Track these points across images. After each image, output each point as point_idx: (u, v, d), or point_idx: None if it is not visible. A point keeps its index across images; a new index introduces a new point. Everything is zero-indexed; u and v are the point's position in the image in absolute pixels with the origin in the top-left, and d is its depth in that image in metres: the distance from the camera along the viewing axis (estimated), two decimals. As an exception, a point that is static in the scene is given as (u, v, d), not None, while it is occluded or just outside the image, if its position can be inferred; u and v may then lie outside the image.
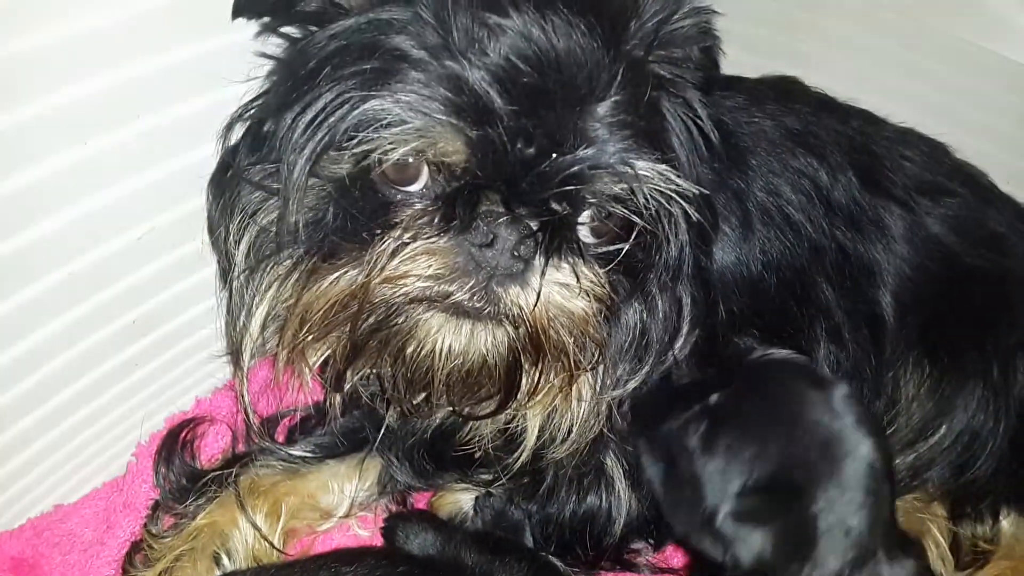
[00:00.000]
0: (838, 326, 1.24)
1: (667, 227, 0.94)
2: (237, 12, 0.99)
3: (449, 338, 0.90)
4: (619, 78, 0.87)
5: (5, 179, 0.93)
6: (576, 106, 0.85)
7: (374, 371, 1.02)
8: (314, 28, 0.96)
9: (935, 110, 1.60)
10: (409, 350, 0.92)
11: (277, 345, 1.01)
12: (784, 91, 1.43)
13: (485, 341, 0.91)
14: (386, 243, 0.86)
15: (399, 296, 0.88)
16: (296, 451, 1.29)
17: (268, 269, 0.98)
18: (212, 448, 1.32)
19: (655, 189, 0.88)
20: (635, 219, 0.90)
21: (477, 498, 1.23)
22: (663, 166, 0.89)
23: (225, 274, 1.06)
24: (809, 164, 1.31)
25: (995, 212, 1.35)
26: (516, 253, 0.86)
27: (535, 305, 0.88)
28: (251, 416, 1.18)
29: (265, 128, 0.97)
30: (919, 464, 1.26)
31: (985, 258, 1.29)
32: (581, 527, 1.19)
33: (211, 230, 1.11)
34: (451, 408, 1.05)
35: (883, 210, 1.28)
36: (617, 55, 0.88)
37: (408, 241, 0.86)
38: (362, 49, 0.88)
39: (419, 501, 1.31)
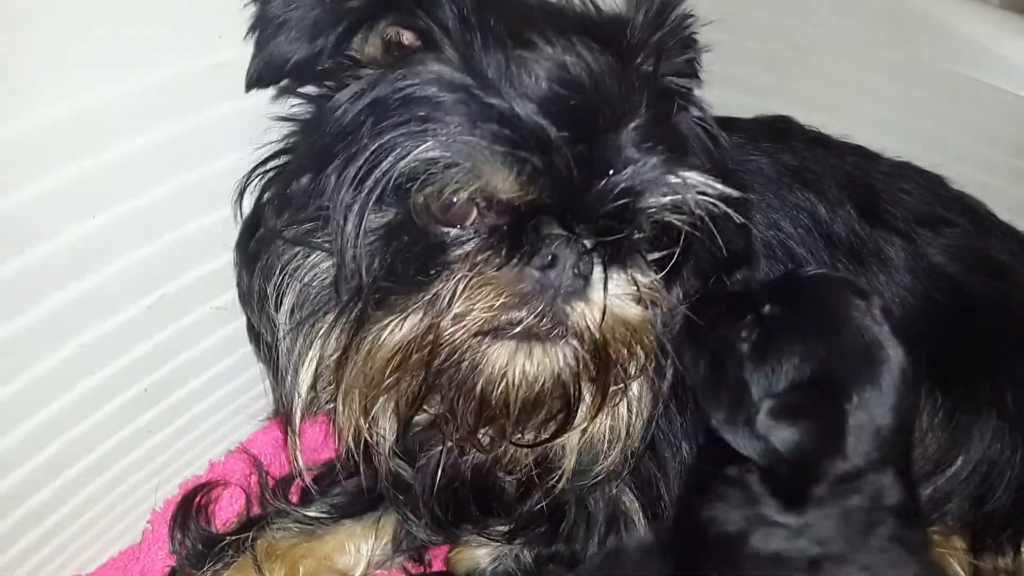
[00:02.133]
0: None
1: (713, 230, 0.95)
2: (251, 85, 1.00)
3: (522, 364, 0.91)
4: (645, 96, 0.90)
5: (17, 255, 0.94)
6: (616, 126, 0.88)
7: (440, 412, 1.02)
8: (332, 84, 0.98)
9: (930, 143, 1.62)
10: (480, 384, 0.92)
11: (328, 403, 1.02)
12: (779, 130, 1.45)
13: (555, 361, 0.92)
14: (450, 280, 0.88)
15: (468, 332, 0.89)
16: (312, 512, 1.29)
17: (314, 325, 0.99)
18: (227, 512, 1.31)
19: (701, 195, 0.91)
20: (686, 227, 0.93)
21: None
22: (704, 174, 0.92)
23: (256, 336, 1.07)
24: (807, 199, 1.33)
25: (996, 240, 1.35)
26: (577, 271, 0.88)
27: (601, 319, 0.89)
28: (304, 475, 1.20)
29: (292, 188, 0.99)
30: (938, 497, 1.25)
31: (989, 286, 1.30)
32: (601, 573, 1.18)
33: (243, 295, 1.12)
34: (515, 438, 1.04)
35: (884, 241, 1.29)
36: (636, 74, 0.91)
37: (472, 275, 0.87)
38: (397, 100, 0.89)
39: (435, 559, 1.30)
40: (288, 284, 1.00)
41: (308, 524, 1.28)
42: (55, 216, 0.97)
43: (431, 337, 0.89)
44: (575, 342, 0.91)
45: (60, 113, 0.92)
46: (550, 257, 0.87)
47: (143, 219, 1.07)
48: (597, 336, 0.91)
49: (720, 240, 0.96)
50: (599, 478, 1.07)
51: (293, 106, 1.07)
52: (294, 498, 1.32)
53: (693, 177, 0.90)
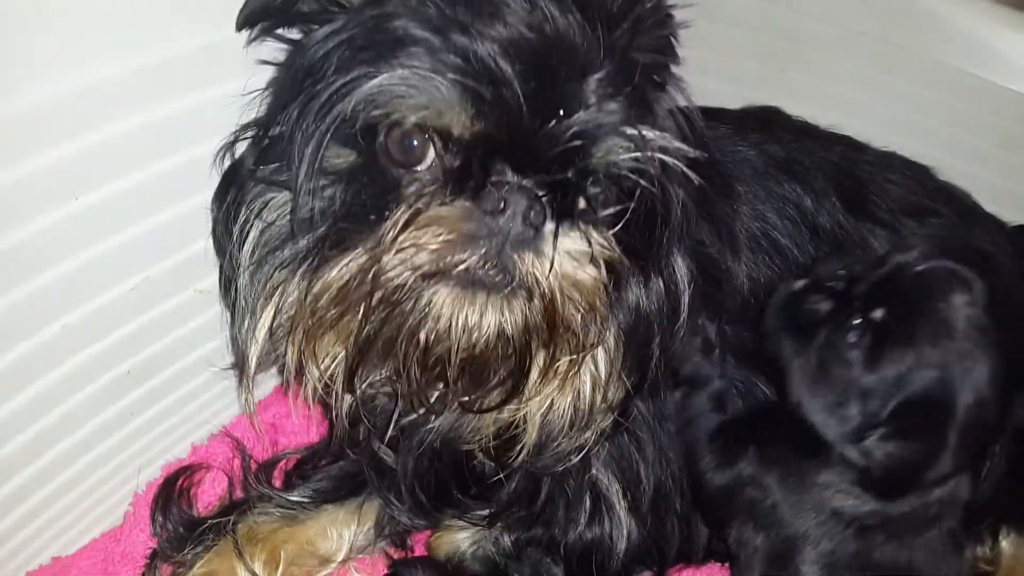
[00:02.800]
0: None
1: (669, 191, 0.95)
2: (242, 24, 1.01)
3: (464, 311, 0.88)
4: (611, 55, 0.90)
5: (-1, 236, 0.94)
6: (578, 75, 0.87)
7: (385, 368, 0.99)
8: (315, 27, 0.97)
9: (918, 133, 1.63)
10: (423, 331, 0.90)
11: (285, 352, 0.99)
12: (766, 121, 1.45)
13: (501, 313, 0.89)
14: (395, 215, 0.86)
15: (410, 271, 0.87)
16: (294, 497, 1.29)
17: (274, 264, 0.97)
18: (209, 495, 1.32)
19: (658, 151, 0.90)
20: (641, 181, 0.91)
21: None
22: (663, 132, 0.91)
23: (229, 284, 1.05)
24: (793, 190, 1.33)
25: (980, 231, 1.36)
26: (527, 219, 0.86)
27: (549, 271, 0.87)
28: (257, 425, 1.19)
29: (271, 132, 0.99)
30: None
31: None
32: (582, 557, 1.18)
33: (216, 242, 1.10)
34: (463, 399, 1.02)
35: (868, 233, 1.29)
36: (606, 38, 0.91)
37: (418, 210, 0.86)
38: (365, 37, 0.90)
39: (417, 543, 1.30)
40: (252, 223, 0.99)
41: (290, 509, 1.28)
42: (38, 198, 0.97)
43: (373, 272, 0.88)
44: (523, 297, 0.88)
45: (43, 97, 0.92)
46: (502, 203, 0.85)
47: (126, 202, 1.07)
48: (546, 291, 0.88)
49: (677, 202, 0.96)
50: (567, 458, 1.05)
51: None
52: (277, 482, 1.32)
53: (651, 132, 0.90)
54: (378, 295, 0.89)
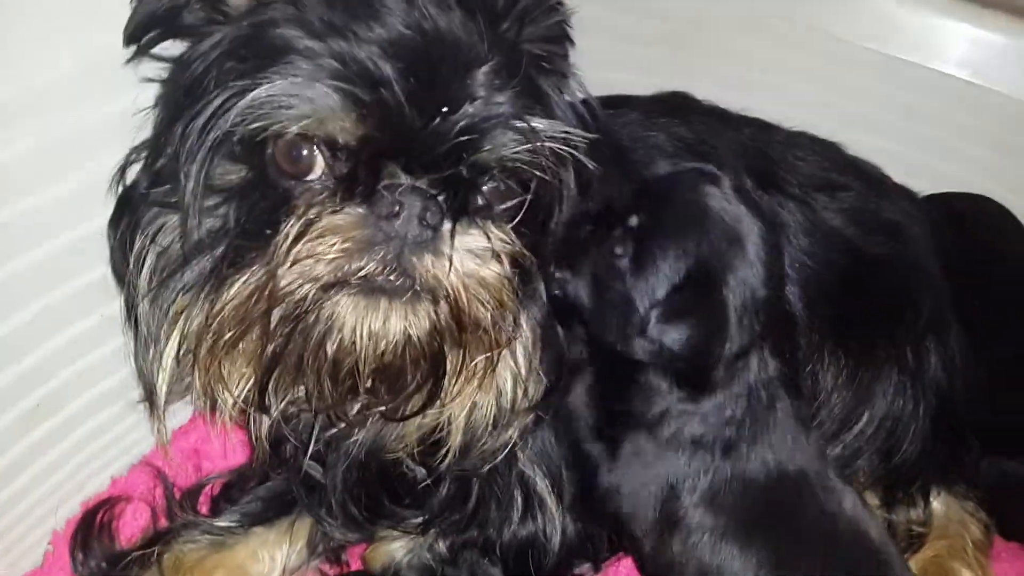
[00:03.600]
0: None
1: (564, 180, 0.94)
2: (128, 41, 0.98)
3: (368, 320, 0.86)
4: (499, 48, 0.90)
5: None
6: (461, 70, 0.87)
7: (298, 386, 0.98)
8: (198, 40, 0.95)
9: (828, 112, 1.66)
10: (329, 344, 0.88)
11: (194, 379, 0.97)
12: (675, 106, 1.46)
13: (405, 318, 0.87)
14: (287, 227, 0.84)
15: (309, 283, 0.85)
16: (221, 522, 1.24)
17: (173, 289, 0.94)
18: (131, 527, 1.26)
19: (551, 141, 0.90)
20: (536, 173, 0.91)
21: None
22: (555, 121, 0.91)
23: (130, 313, 1.02)
24: None
25: (889, 202, 1.38)
26: (424, 220, 0.85)
27: (450, 271, 0.86)
28: (170, 456, 1.20)
29: (161, 153, 0.96)
30: (847, 454, 1.27)
31: (884, 246, 1.32)
32: (519, 555, 1.17)
33: (115, 270, 1.07)
34: (383, 409, 1.00)
35: (781, 207, 1.30)
36: (491, 32, 0.91)
37: (310, 220, 0.84)
38: (246, 48, 0.89)
39: (352, 557, 1.27)
40: (148, 249, 0.97)
41: (218, 535, 1.23)
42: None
43: (270, 288, 0.86)
44: (427, 299, 0.88)
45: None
46: (396, 206, 0.84)
47: (22, 225, 1.02)
48: (450, 291, 0.88)
49: (568, 195, 0.95)
50: (493, 456, 1.05)
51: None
52: (204, 508, 1.28)
53: (543, 122, 0.89)
54: (278, 311, 0.88)
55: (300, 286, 0.86)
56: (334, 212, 0.85)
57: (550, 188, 0.94)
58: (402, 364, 0.92)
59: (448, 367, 0.95)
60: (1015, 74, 1.60)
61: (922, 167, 1.64)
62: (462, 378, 0.97)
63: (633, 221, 1.06)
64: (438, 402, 0.99)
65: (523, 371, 1.01)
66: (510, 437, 1.04)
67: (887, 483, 1.29)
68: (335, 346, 0.88)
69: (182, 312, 0.94)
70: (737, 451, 1.07)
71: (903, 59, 1.67)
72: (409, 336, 0.89)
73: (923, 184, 1.56)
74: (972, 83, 1.63)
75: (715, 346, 1.03)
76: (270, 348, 0.91)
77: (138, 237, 0.98)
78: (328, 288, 0.86)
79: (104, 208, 1.08)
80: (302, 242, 0.84)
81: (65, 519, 1.27)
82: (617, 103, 1.41)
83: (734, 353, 1.04)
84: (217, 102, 0.86)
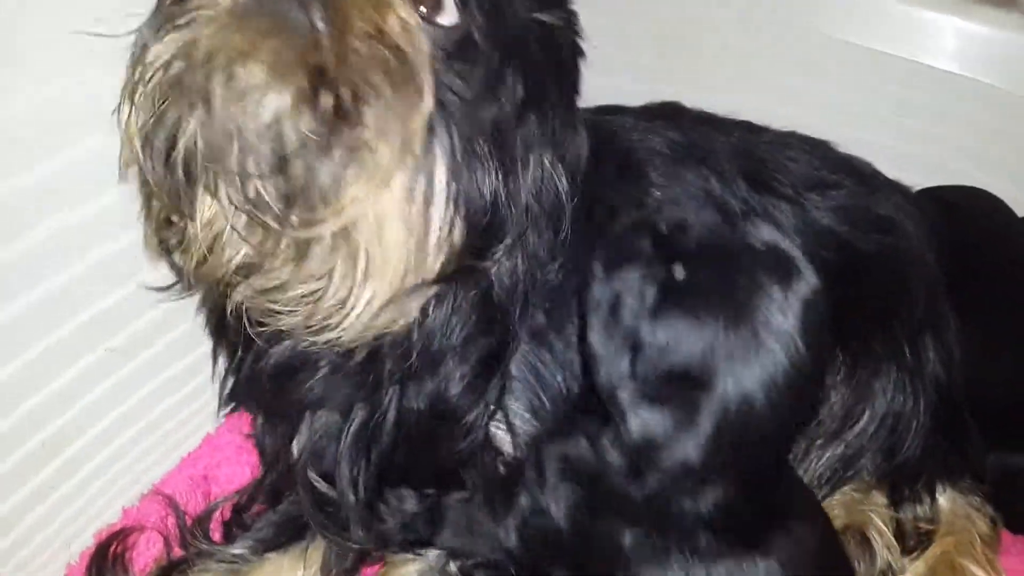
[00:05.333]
0: (748, 324, 1.24)
1: None
2: None
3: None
4: None
5: None
6: None
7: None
8: None
9: (818, 107, 1.67)
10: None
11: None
12: (667, 114, 1.47)
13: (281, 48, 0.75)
14: None
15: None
16: (235, 549, 1.24)
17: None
18: (145, 558, 1.27)
19: None
20: None
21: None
22: None
23: None
24: (700, 174, 1.34)
25: (881, 197, 1.38)
26: None
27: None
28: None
29: None
30: (850, 453, 1.27)
31: (877, 242, 1.32)
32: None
33: None
34: (292, 215, 0.82)
35: (773, 208, 1.31)
36: None
37: None
38: None
39: (367, 580, 1.28)
40: None
41: (232, 562, 1.23)
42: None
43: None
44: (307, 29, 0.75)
45: None
46: None
47: (23, 263, 1.03)
48: (327, 38, 0.75)
49: None
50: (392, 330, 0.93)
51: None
52: (216, 534, 1.29)
53: None
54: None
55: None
56: None
57: None
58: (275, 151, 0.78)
59: (338, 146, 0.79)
60: (1003, 65, 1.61)
61: (914, 161, 1.64)
62: (361, 167, 0.80)
63: (677, 271, 0.92)
64: (337, 200, 0.81)
65: (439, 195, 0.85)
66: (408, 311, 0.93)
67: (892, 481, 1.28)
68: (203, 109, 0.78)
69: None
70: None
71: (892, 54, 1.68)
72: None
73: (916, 178, 1.57)
74: (961, 75, 1.64)
75: (668, 445, 0.89)
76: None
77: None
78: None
79: (104, 239, 1.11)
80: None
81: (79, 553, 1.28)
82: (610, 112, 1.43)
83: (678, 459, 0.89)
84: None
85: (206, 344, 1.24)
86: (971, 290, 1.37)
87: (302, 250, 0.86)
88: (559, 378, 1.16)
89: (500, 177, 0.90)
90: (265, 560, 1.25)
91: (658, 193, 1.30)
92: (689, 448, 0.88)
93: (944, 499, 1.27)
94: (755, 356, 0.87)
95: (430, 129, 0.83)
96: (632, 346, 0.92)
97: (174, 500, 1.32)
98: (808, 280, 0.90)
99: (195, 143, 0.80)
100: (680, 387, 0.89)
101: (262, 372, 1.09)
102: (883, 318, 1.29)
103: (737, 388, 0.87)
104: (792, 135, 1.46)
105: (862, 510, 1.26)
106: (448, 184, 0.85)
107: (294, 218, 0.82)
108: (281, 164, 0.79)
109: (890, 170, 1.51)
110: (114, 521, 1.33)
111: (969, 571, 1.20)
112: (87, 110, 1.01)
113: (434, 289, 0.93)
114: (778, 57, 1.76)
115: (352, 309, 0.88)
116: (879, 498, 1.29)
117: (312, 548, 1.25)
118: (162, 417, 1.33)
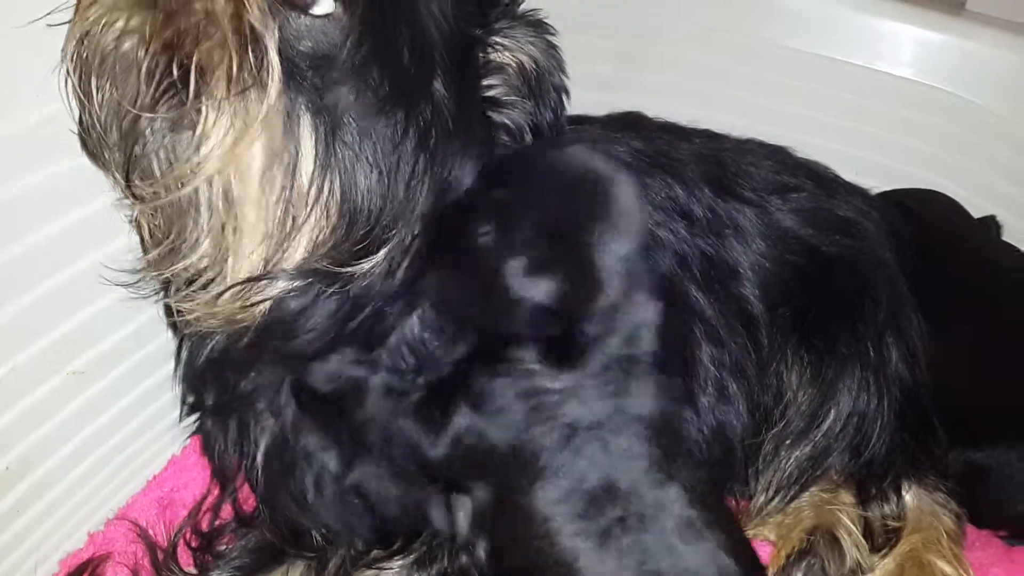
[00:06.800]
0: (715, 328, 1.25)
1: None
2: None
3: None
4: None
5: None
6: None
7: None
8: None
9: (777, 118, 1.70)
10: None
11: None
12: (630, 123, 1.48)
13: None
14: None
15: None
16: (212, 579, 1.23)
17: None
18: (115, 588, 1.25)
19: None
20: None
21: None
22: None
23: None
24: (664, 182, 1.35)
25: (841, 200, 1.41)
26: None
27: None
28: None
29: None
30: (817, 453, 1.28)
31: (839, 244, 1.34)
32: None
33: None
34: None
35: (737, 212, 1.32)
36: None
37: None
38: None
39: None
40: None
41: (211, 595, 1.22)
42: None
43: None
44: None
45: None
46: None
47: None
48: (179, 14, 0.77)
49: None
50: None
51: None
52: (185, 558, 1.27)
53: None
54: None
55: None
56: None
57: None
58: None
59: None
60: (956, 70, 1.65)
61: (872, 165, 1.69)
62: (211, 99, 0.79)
63: (499, 194, 0.99)
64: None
65: (307, 161, 0.85)
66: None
67: (859, 480, 1.30)
68: None
69: None
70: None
71: (848, 62, 1.72)
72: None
73: (874, 182, 1.60)
74: (916, 81, 1.68)
75: (585, 300, 0.96)
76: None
77: None
78: None
79: (65, 263, 1.10)
80: None
81: (45, 579, 1.26)
82: (574, 122, 1.43)
83: (603, 309, 0.96)
84: None
85: (169, 365, 1.23)
86: (931, 288, 1.39)
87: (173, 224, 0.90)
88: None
89: (368, 175, 0.88)
90: (246, 589, 1.23)
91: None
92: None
93: (910, 496, 1.28)
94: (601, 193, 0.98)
95: (288, 115, 0.82)
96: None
97: (143, 529, 1.29)
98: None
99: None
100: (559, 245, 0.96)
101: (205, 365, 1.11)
102: (847, 319, 1.30)
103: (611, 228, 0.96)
104: (751, 141, 1.48)
105: (830, 510, 1.27)
106: (311, 174, 0.85)
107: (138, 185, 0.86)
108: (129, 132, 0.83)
109: (848, 175, 1.54)
110: (80, 547, 1.30)
111: (936, 567, 1.21)
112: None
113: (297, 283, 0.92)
114: (736, 69, 1.79)
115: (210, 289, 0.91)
116: (847, 497, 1.30)
117: (291, 571, 1.24)
118: (127, 439, 1.31)
